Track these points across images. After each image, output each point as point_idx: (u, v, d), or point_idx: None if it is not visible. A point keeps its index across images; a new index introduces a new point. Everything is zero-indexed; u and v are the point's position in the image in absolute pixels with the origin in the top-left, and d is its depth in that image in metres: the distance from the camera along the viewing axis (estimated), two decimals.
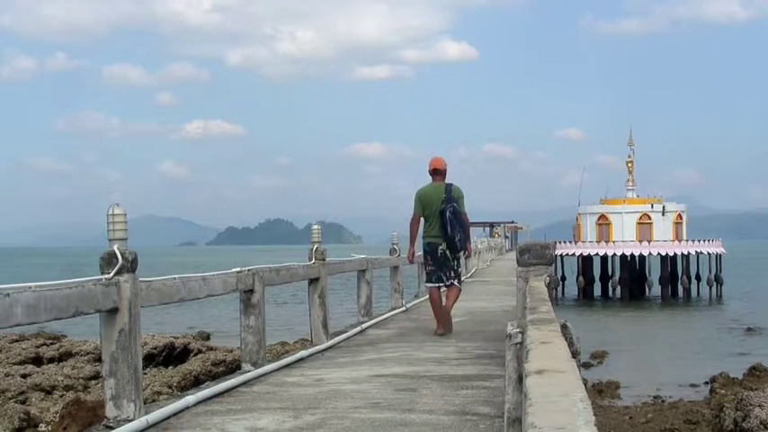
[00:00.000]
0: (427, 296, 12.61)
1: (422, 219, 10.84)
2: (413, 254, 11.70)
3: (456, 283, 10.88)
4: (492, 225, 73.52)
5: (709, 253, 50.33)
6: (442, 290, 10.93)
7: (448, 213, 10.52)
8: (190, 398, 6.35)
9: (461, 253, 11.07)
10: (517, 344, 4.21)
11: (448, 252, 10.70)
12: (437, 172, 10.84)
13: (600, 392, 18.18)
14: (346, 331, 11.30)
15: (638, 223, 52.02)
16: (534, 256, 8.69)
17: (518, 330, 4.32)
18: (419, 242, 11.19)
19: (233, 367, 14.15)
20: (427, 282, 11.04)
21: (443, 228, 10.56)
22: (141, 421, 5.46)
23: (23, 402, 13.86)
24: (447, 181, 10.87)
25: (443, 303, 10.89)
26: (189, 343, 20.44)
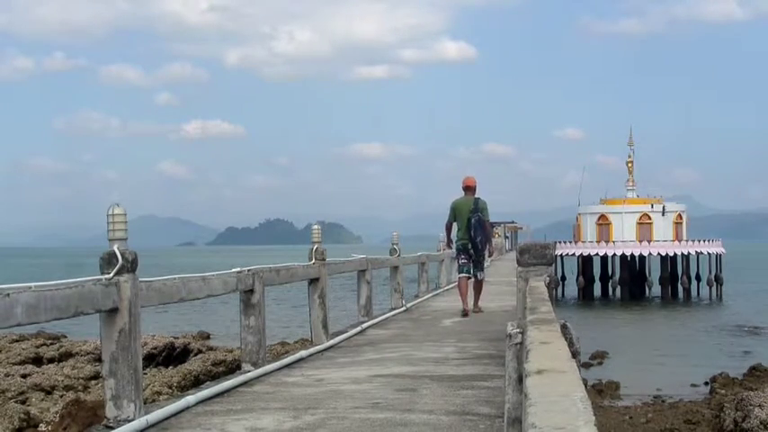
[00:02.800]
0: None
1: (454, 223, 13.83)
2: (449, 246, 14.80)
3: (481, 274, 13.72)
4: (492, 225, 73.37)
5: (709, 253, 50.28)
6: (469, 279, 13.70)
7: (473, 221, 13.33)
8: (190, 398, 6.35)
9: (484, 252, 13.67)
10: (517, 344, 4.21)
11: (472, 250, 13.44)
12: (468, 188, 13.65)
13: (600, 392, 18.16)
14: (346, 331, 11.31)
15: (638, 223, 51.99)
16: (534, 256, 8.70)
17: (518, 330, 4.33)
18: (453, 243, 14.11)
19: (233, 367, 14.15)
20: (459, 272, 13.97)
21: (468, 232, 13.37)
22: (141, 421, 5.46)
23: (23, 402, 13.85)
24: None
25: (469, 291, 13.69)
26: (189, 343, 20.45)
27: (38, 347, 20.33)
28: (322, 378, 7.64)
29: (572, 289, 51.83)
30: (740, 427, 12.78)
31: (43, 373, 16.50)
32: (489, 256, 14.46)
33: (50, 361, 18.77)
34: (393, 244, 15.84)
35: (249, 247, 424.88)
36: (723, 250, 51.32)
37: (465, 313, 13.44)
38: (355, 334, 11.16)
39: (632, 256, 50.51)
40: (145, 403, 5.95)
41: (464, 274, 13.64)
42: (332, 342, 10.11)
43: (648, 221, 52.08)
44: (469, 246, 13.45)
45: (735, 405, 13.50)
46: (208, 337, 27.15)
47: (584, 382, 11.45)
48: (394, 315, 14.07)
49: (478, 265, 13.66)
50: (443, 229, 14.65)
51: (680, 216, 53.16)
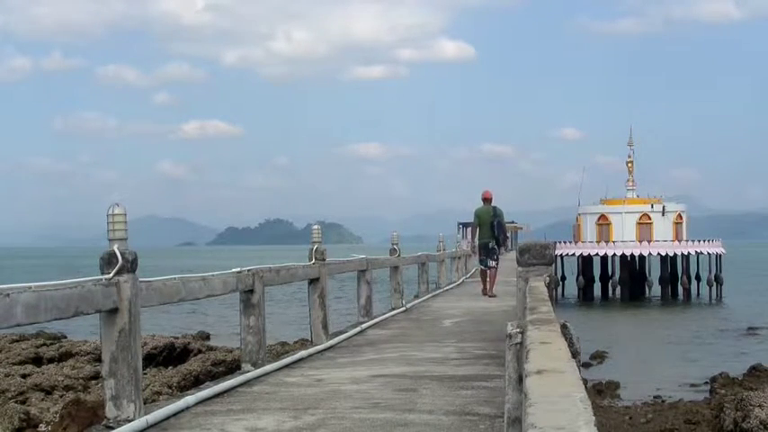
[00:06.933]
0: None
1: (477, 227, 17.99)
2: (474, 246, 19.14)
3: (496, 265, 17.89)
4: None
5: (709, 253, 50.25)
6: (487, 270, 18.03)
7: (495, 223, 17.53)
8: (190, 398, 6.35)
9: (503, 246, 18.49)
10: (517, 344, 4.21)
11: (493, 246, 17.69)
12: (487, 199, 17.71)
13: (600, 392, 18.17)
14: (346, 331, 11.31)
15: (638, 223, 51.96)
16: (534, 256, 8.69)
17: (518, 330, 4.33)
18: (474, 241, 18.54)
19: (233, 367, 14.14)
20: (479, 264, 18.89)
21: (492, 232, 17.59)
22: (141, 421, 5.46)
23: (23, 402, 13.85)
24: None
25: (488, 280, 17.97)
26: (189, 343, 20.45)
27: (38, 347, 20.32)
28: (322, 378, 7.64)
29: (572, 289, 51.82)
30: (740, 427, 12.78)
31: (43, 373, 16.50)
32: (506, 250, 17.93)
33: (50, 361, 18.76)
34: (393, 244, 15.84)
35: (249, 247, 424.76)
36: (723, 250, 51.30)
37: (485, 293, 17.74)
38: (355, 334, 11.16)
39: (632, 256, 50.48)
40: (145, 403, 5.94)
41: (483, 267, 18.11)
42: (332, 342, 10.11)
43: (648, 221, 52.04)
44: (490, 244, 17.59)
45: (735, 405, 13.49)
46: (208, 338, 27.16)
47: (585, 382, 11.46)
48: (394, 315, 14.07)
49: (496, 256, 17.83)
50: (439, 229, 18.00)
51: (680, 216, 53.13)
